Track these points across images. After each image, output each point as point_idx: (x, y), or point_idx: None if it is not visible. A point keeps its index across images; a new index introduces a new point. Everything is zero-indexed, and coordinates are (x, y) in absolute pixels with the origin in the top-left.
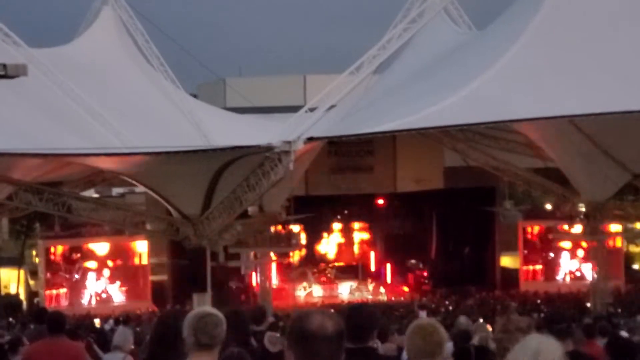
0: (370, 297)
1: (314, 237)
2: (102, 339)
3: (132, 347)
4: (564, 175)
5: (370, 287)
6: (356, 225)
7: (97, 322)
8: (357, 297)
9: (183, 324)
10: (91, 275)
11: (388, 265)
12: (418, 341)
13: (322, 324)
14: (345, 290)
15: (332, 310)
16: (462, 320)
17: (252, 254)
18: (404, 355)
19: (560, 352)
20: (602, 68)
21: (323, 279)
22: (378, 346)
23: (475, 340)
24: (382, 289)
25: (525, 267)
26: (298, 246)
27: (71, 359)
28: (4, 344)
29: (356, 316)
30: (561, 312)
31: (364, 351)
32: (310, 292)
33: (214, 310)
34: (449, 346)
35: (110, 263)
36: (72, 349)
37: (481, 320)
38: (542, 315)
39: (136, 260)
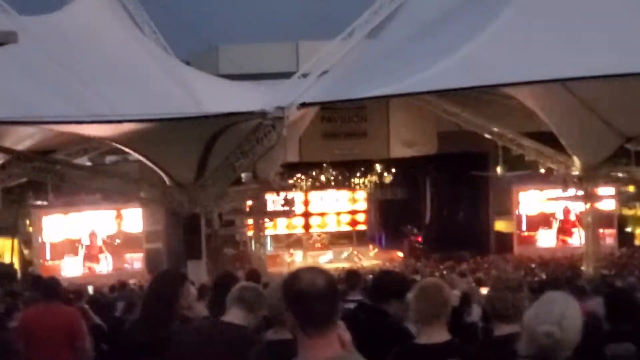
0: (366, 263)
1: (308, 203)
2: (96, 306)
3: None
4: (558, 139)
5: (372, 253)
6: (350, 190)
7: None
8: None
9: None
10: (85, 243)
11: (382, 231)
12: (422, 303)
13: (312, 282)
14: (341, 257)
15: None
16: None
17: (246, 220)
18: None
19: (580, 318)
20: (596, 31)
21: (318, 245)
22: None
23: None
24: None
25: (519, 232)
26: (292, 212)
27: (66, 324)
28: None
29: (378, 282)
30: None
31: (374, 309)
32: (305, 259)
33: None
34: None
35: (104, 231)
36: (66, 313)
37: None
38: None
39: (130, 228)
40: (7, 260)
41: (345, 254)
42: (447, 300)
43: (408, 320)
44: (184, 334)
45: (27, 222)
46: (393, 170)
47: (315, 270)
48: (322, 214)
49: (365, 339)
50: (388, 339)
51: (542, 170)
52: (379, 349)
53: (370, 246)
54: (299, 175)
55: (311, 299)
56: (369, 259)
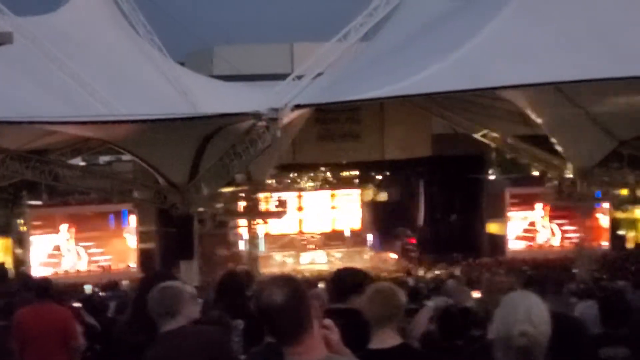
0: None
1: (302, 204)
2: (90, 305)
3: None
4: (551, 142)
5: (367, 255)
6: (344, 192)
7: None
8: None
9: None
10: (78, 243)
11: (375, 233)
12: (377, 306)
13: (269, 296)
14: (334, 258)
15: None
16: (450, 283)
17: (239, 221)
18: None
19: (547, 310)
20: (588, 34)
21: (311, 246)
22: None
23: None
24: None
25: (511, 234)
26: (285, 213)
27: (58, 323)
28: None
29: (335, 277)
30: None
31: (345, 312)
32: (297, 259)
33: (173, 283)
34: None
35: (98, 231)
36: (59, 313)
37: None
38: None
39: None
40: None
41: (339, 255)
42: (400, 303)
43: None
44: (160, 341)
45: (21, 221)
46: (387, 172)
47: (278, 283)
48: (315, 215)
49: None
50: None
51: (536, 173)
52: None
53: (366, 248)
54: (292, 176)
55: (271, 314)
56: (363, 261)
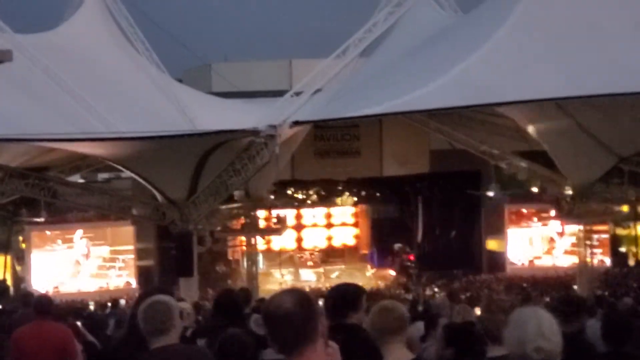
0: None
1: (301, 220)
2: (89, 323)
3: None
4: (550, 158)
5: (369, 273)
6: (342, 209)
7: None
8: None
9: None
10: (77, 261)
11: (374, 250)
12: (380, 318)
13: (278, 303)
14: (333, 275)
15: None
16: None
17: (238, 238)
18: None
19: (556, 323)
20: (588, 51)
21: (310, 263)
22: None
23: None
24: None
25: (511, 251)
26: (284, 230)
27: (58, 341)
28: None
29: (332, 294)
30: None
31: (344, 327)
32: (297, 276)
33: (164, 298)
34: (419, 326)
35: (96, 248)
36: (59, 331)
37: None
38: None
39: (122, 246)
40: None
41: (336, 273)
42: (403, 316)
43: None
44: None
45: (20, 238)
46: (385, 188)
47: (289, 292)
48: (314, 232)
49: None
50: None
51: (535, 190)
52: None
53: (366, 265)
54: (291, 193)
55: (277, 321)
56: (365, 278)
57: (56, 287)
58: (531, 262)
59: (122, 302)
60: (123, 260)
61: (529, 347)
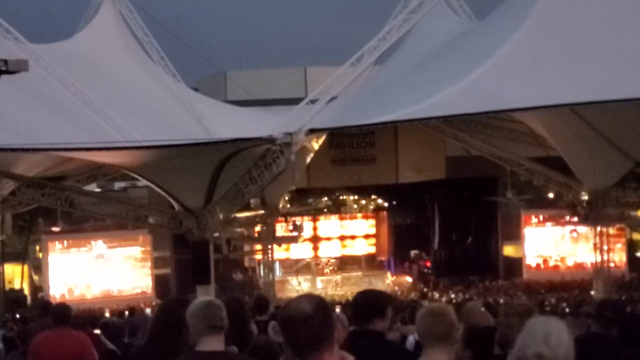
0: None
1: (317, 228)
2: (108, 331)
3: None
4: (566, 163)
5: (389, 280)
6: (359, 216)
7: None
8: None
9: (187, 312)
10: (95, 269)
11: (391, 256)
12: (429, 324)
13: (297, 306)
14: (350, 282)
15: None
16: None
17: (255, 246)
18: (409, 342)
19: (568, 334)
20: (602, 56)
21: (327, 271)
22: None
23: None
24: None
25: (528, 256)
26: (301, 238)
27: (76, 350)
28: (14, 336)
29: (359, 299)
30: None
31: (368, 333)
32: (314, 284)
33: (214, 298)
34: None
35: (113, 257)
36: (77, 340)
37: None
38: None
39: (139, 254)
40: (17, 286)
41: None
42: (454, 321)
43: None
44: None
45: (37, 248)
46: (402, 195)
47: (307, 297)
48: (330, 239)
49: None
50: None
51: (551, 195)
52: None
53: (385, 272)
54: (307, 200)
55: (296, 323)
56: (383, 285)
57: (71, 289)
58: (546, 262)
59: (148, 311)
60: (141, 267)
61: (530, 352)
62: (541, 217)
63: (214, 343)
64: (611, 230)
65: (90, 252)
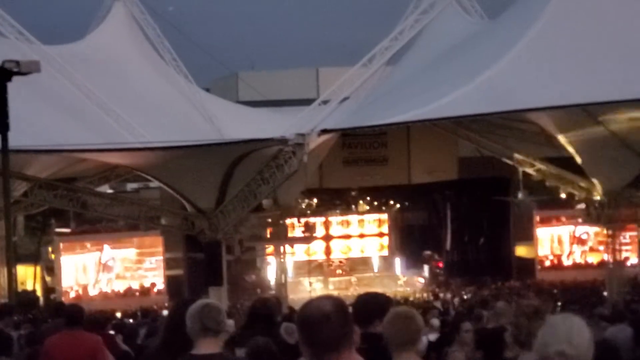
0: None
1: (329, 229)
2: (121, 333)
3: None
4: (579, 164)
5: (401, 281)
6: (371, 217)
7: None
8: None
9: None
10: (107, 270)
11: (403, 257)
12: (397, 328)
13: (318, 306)
14: (363, 283)
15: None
16: (500, 305)
17: (267, 247)
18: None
19: (588, 332)
20: (615, 55)
21: (339, 271)
22: None
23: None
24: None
25: (540, 257)
26: (313, 239)
27: (89, 351)
28: (23, 337)
29: (360, 302)
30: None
31: (368, 336)
32: (326, 285)
33: (214, 301)
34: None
35: (126, 258)
36: (89, 341)
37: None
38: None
39: (151, 256)
40: (29, 287)
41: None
42: (420, 327)
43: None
44: None
45: (50, 249)
46: (414, 196)
47: (327, 297)
48: (342, 240)
49: None
50: None
51: (563, 196)
52: None
53: (397, 273)
54: (319, 201)
55: (316, 323)
56: (396, 286)
57: (83, 290)
58: (559, 262)
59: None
60: (152, 268)
61: (552, 350)
62: (553, 218)
63: (209, 346)
64: (624, 232)
65: (103, 253)
